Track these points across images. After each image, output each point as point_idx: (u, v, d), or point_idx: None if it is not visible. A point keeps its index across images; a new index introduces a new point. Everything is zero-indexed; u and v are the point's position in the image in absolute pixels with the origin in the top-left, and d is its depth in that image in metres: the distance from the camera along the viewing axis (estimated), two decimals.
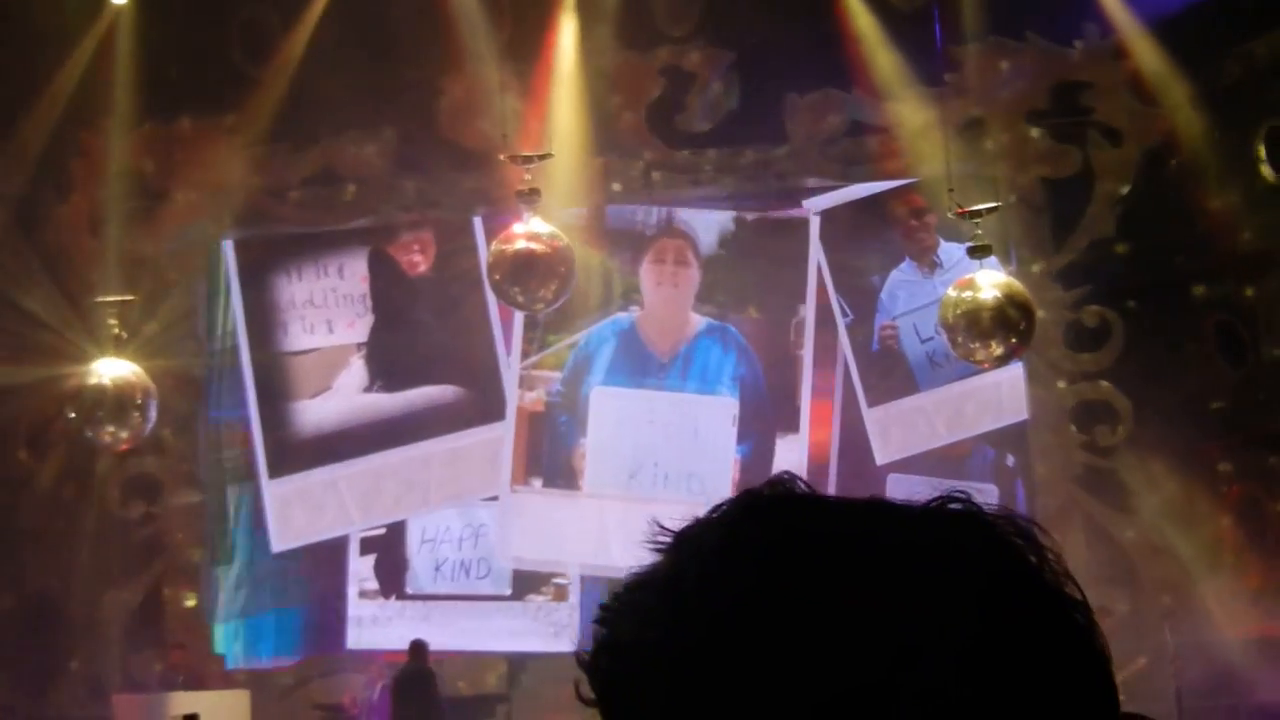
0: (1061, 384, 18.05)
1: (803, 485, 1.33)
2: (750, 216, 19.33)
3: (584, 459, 19.07)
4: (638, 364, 19.11)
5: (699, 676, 1.21)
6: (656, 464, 18.82)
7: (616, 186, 19.13)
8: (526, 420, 19.21)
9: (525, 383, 19.24)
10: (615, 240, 19.37)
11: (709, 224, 19.37)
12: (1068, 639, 1.24)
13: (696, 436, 18.86)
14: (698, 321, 19.17)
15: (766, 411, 18.96)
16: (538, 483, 19.19)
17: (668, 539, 1.31)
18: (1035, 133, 18.19)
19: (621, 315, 19.24)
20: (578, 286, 18.47)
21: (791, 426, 18.88)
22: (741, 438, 18.87)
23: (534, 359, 19.28)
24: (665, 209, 19.34)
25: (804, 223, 19.06)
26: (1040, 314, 16.01)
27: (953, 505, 1.28)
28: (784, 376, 18.99)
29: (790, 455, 18.69)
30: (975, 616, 1.20)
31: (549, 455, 19.21)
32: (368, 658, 18.76)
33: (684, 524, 1.32)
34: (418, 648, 17.30)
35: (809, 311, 18.96)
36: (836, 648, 1.17)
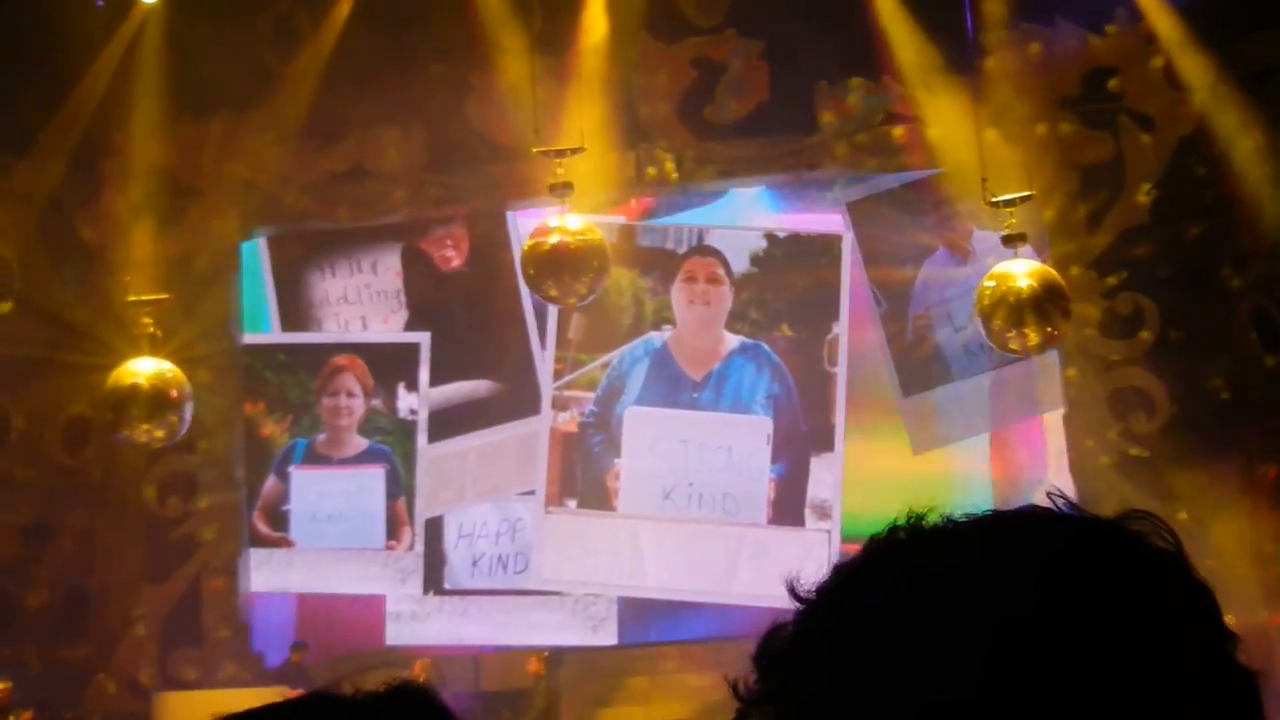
0: (1097, 371, 17.96)
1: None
2: (782, 234, 19.22)
3: (618, 480, 18.97)
4: (671, 384, 18.98)
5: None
6: (691, 484, 18.68)
7: (647, 177, 19.03)
8: (560, 441, 19.13)
9: (558, 404, 19.16)
10: (646, 260, 19.27)
11: (740, 242, 19.25)
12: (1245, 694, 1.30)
13: (731, 456, 18.73)
14: (730, 340, 19.03)
15: (801, 430, 18.88)
16: (572, 504, 19.10)
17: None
18: (1067, 120, 18.08)
19: (654, 335, 19.11)
20: (609, 307, 18.47)
21: (826, 445, 18.77)
22: (776, 457, 18.71)
23: (566, 379, 19.18)
24: (695, 229, 19.28)
25: (837, 239, 18.95)
26: (1075, 302, 15.97)
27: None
28: (818, 394, 18.86)
29: (825, 475, 18.66)
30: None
31: (583, 476, 19.11)
32: (407, 653, 18.77)
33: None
34: None
35: (842, 328, 18.86)
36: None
